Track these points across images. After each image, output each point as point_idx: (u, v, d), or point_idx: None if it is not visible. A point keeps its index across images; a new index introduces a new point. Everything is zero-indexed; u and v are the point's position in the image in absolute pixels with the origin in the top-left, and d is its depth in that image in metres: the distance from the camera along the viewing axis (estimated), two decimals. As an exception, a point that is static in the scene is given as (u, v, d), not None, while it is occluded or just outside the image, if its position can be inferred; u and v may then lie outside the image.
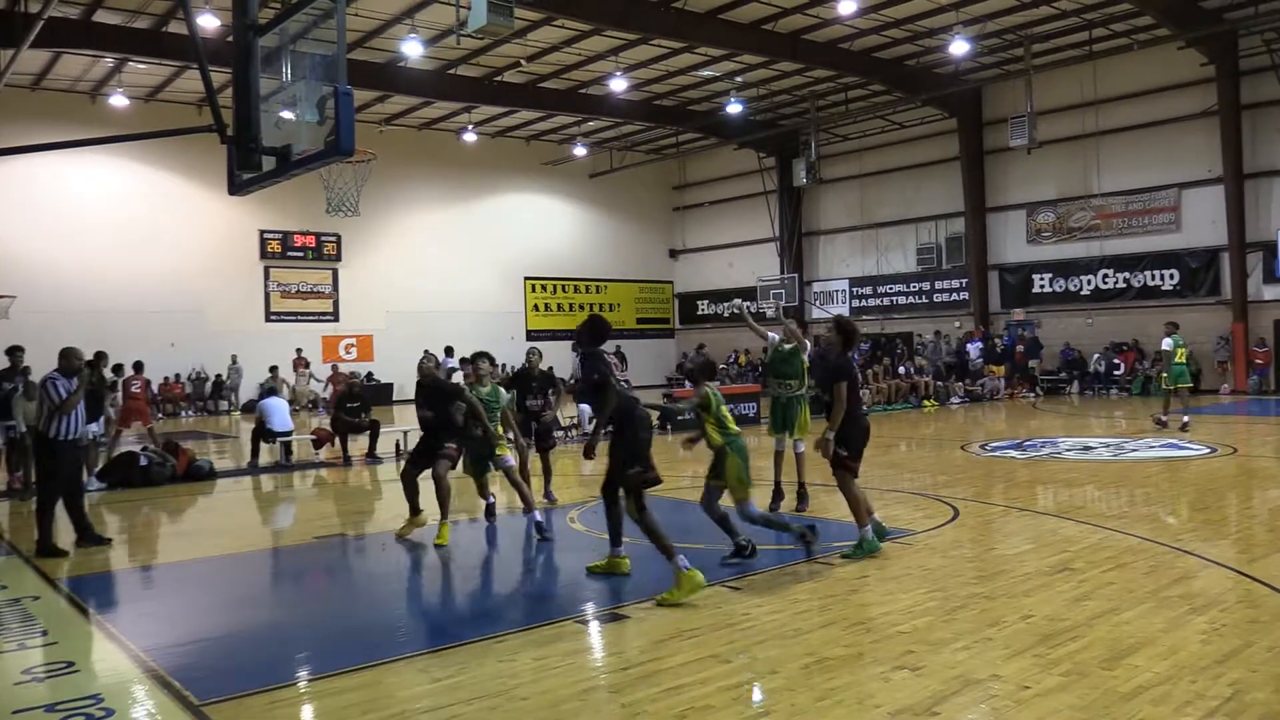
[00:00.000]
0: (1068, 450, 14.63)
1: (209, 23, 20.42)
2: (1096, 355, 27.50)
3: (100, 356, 13.33)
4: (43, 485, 9.44)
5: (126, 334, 27.59)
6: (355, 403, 16.68)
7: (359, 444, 16.60)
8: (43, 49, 22.40)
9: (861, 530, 7.76)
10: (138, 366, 17.00)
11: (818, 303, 35.23)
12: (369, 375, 30.68)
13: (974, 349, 27.70)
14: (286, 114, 6.33)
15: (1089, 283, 28.26)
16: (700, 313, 39.78)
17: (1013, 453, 14.69)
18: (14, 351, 13.37)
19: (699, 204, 39.80)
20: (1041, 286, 29.36)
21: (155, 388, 28.92)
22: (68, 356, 9.61)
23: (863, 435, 8.03)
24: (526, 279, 37.02)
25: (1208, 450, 14.16)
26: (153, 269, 28.91)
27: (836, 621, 6.08)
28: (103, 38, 22.77)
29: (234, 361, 29.42)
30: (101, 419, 13.66)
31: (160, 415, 28.15)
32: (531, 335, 36.54)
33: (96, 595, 7.66)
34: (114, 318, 27.65)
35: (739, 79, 28.82)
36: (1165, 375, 17.74)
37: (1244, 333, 25.29)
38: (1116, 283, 27.74)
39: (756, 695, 4.98)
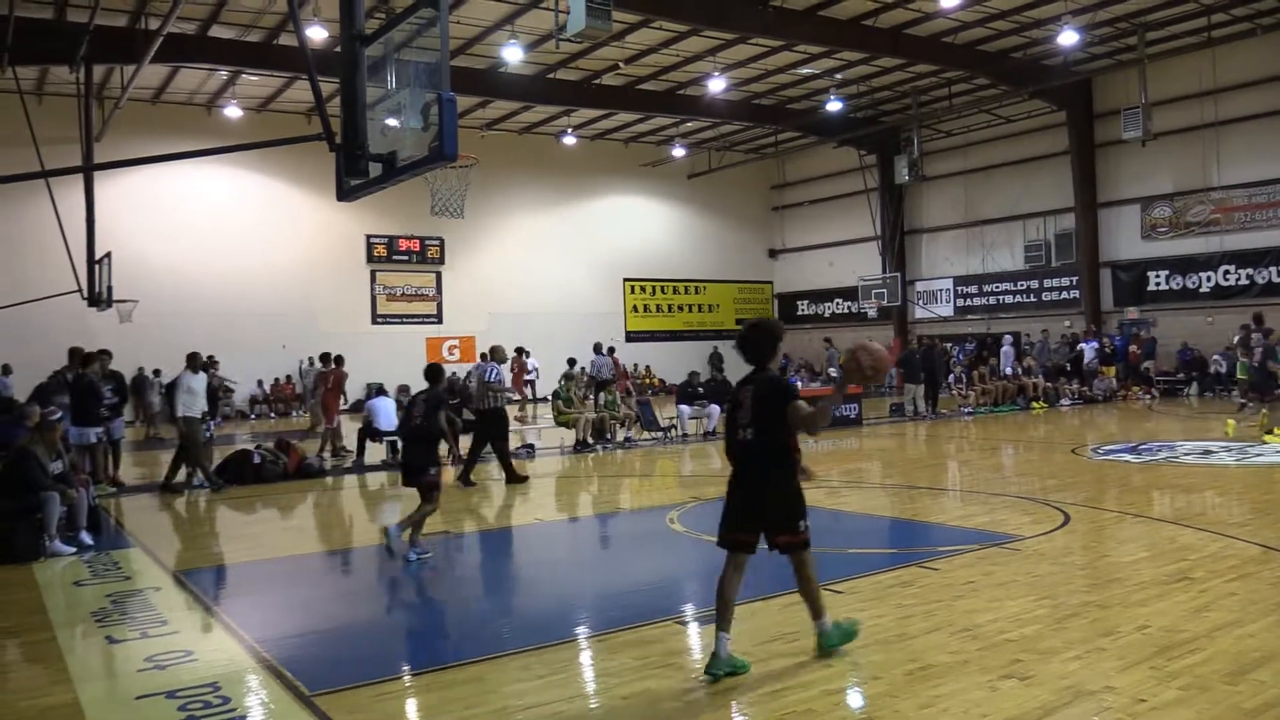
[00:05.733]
0: (1186, 454, 14.04)
1: (317, 34, 20.99)
2: (1217, 355, 26.32)
3: (88, 356, 13.59)
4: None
5: (241, 336, 28.69)
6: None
7: (463, 444, 16.83)
8: (162, 64, 23.37)
9: None
10: (338, 360, 18.22)
11: (921, 302, 34.57)
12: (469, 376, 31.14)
13: (1089, 349, 26.71)
14: (392, 121, 6.49)
15: (1208, 280, 27.06)
16: (800, 313, 39.39)
17: (1127, 456, 14.14)
18: (100, 355, 13.81)
19: (798, 203, 39.42)
20: (1157, 284, 28.23)
21: (267, 388, 30.00)
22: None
23: None
24: (626, 280, 37.21)
25: (1339, 455, 13.44)
26: (265, 273, 29.93)
27: (942, 627, 5.94)
28: (217, 51, 23.64)
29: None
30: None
31: (273, 415, 29.17)
32: (631, 336, 36.75)
33: (213, 587, 7.95)
34: (230, 320, 28.70)
35: (838, 76, 28.44)
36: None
37: (1378, 331, 23.90)
38: (1239, 279, 26.51)
39: (859, 701, 4.90)
